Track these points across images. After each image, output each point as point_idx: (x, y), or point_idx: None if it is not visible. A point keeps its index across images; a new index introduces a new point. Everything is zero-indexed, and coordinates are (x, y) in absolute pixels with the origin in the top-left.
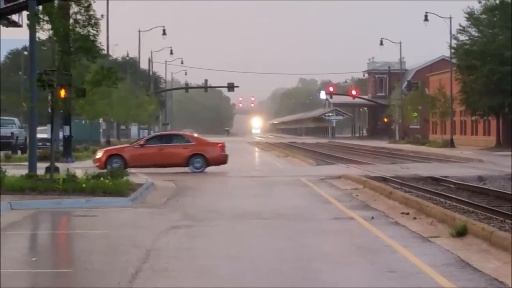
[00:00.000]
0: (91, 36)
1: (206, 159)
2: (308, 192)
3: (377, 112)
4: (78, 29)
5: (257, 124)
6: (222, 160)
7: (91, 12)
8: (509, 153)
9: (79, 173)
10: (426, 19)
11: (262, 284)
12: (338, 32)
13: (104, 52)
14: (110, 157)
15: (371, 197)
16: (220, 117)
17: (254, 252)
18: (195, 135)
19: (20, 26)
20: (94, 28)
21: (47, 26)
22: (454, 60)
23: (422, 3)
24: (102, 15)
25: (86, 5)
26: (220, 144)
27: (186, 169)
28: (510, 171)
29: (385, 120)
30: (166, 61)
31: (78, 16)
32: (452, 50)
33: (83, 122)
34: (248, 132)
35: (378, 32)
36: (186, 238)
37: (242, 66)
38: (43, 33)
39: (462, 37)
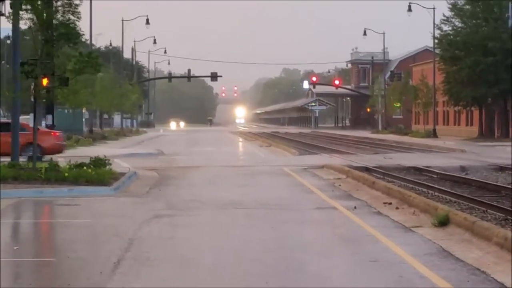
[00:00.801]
0: (71, 23)
1: (42, 148)
2: (291, 182)
3: (360, 102)
4: (59, 16)
5: (240, 113)
6: (57, 149)
7: None
8: (492, 143)
9: (62, 162)
10: (409, 10)
11: (245, 273)
12: (321, 22)
13: (86, 39)
14: None
15: (354, 187)
16: (204, 106)
17: (236, 242)
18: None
19: (3, 14)
20: (74, 15)
21: (29, 15)
22: (437, 51)
23: None
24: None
25: None
26: (56, 134)
27: (167, 158)
28: (493, 161)
29: (368, 110)
30: (149, 51)
31: (58, 3)
32: (436, 41)
33: (66, 111)
34: (231, 122)
35: (362, 22)
36: (169, 228)
37: (225, 55)
38: (26, 22)
39: (446, 28)
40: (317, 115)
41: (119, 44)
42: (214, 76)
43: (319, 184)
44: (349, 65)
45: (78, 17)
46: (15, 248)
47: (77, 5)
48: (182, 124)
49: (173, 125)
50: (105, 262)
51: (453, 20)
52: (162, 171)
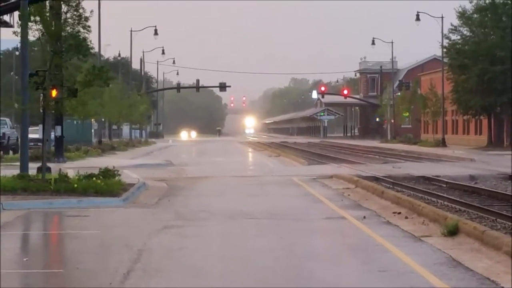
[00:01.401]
0: (80, 35)
1: None
2: (300, 192)
3: (369, 111)
4: (68, 28)
5: (250, 123)
6: None
7: (80, 11)
8: (501, 152)
9: (71, 173)
10: (418, 19)
11: (254, 283)
12: (330, 31)
13: (95, 50)
14: None
15: (363, 197)
16: (212, 117)
17: (246, 252)
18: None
19: (11, 26)
20: (84, 27)
21: (38, 26)
22: (445, 60)
23: (414, 2)
24: (91, 11)
25: (74, 4)
26: None
27: (176, 168)
28: (503, 170)
29: (378, 119)
30: (158, 61)
31: (68, 15)
32: (444, 50)
33: (75, 122)
34: (240, 132)
35: (370, 31)
36: (178, 238)
37: (233, 66)
38: (34, 34)
39: (454, 37)
40: (325, 124)
41: (127, 54)
42: (223, 86)
43: (328, 194)
44: (358, 74)
45: (88, 30)
46: (25, 259)
47: (87, 17)
48: (193, 134)
49: (184, 135)
50: (114, 273)
51: (461, 29)
52: (171, 181)
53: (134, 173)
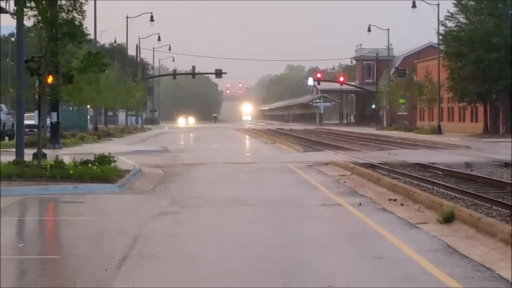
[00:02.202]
0: (76, 21)
1: None
2: (296, 179)
3: (365, 98)
4: (63, 14)
5: (247, 110)
6: None
7: None
8: (497, 139)
9: (67, 160)
10: (414, 6)
11: (249, 270)
12: (326, 18)
13: (91, 37)
14: None
15: (359, 184)
16: (208, 103)
17: (241, 239)
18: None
19: (7, 12)
20: (79, 13)
21: (33, 12)
22: (441, 47)
23: None
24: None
25: None
26: None
27: (171, 155)
28: (498, 157)
29: (374, 107)
30: (154, 48)
31: (63, 2)
32: (440, 37)
33: (71, 108)
34: (236, 119)
35: (366, 18)
36: (174, 225)
37: (229, 52)
38: (30, 20)
39: (450, 24)
40: (321, 111)
41: (123, 41)
42: (218, 73)
43: (324, 180)
44: (354, 61)
45: (83, 16)
46: (20, 245)
47: (82, 3)
48: (192, 120)
49: (182, 121)
50: (110, 260)
51: (457, 16)
52: (166, 168)
53: (130, 160)
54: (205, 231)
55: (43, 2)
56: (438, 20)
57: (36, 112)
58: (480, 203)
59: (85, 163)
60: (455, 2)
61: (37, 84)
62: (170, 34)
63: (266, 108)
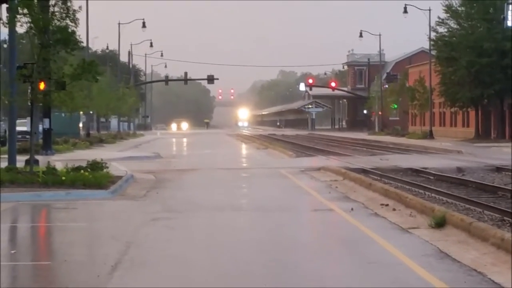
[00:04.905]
0: (69, 28)
1: None
2: (288, 184)
3: (357, 104)
4: (56, 21)
5: (244, 115)
6: None
7: (68, 4)
8: (488, 144)
9: (59, 166)
10: (405, 11)
11: (242, 275)
12: (317, 24)
13: (83, 44)
14: None
15: (351, 189)
16: (201, 109)
17: (233, 244)
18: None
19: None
20: (72, 20)
21: (26, 18)
22: (433, 52)
23: None
24: (80, 7)
25: None
26: None
27: (163, 161)
28: (490, 162)
29: (366, 112)
30: (146, 54)
31: (56, 9)
32: (431, 42)
33: (63, 114)
34: (229, 125)
35: (358, 24)
36: (166, 230)
37: (221, 58)
38: (23, 26)
39: (441, 29)
40: (313, 117)
41: (115, 47)
42: (210, 79)
43: (316, 186)
44: (346, 67)
45: (76, 24)
46: (12, 252)
47: (75, 10)
48: (185, 126)
49: (174, 127)
50: (102, 265)
51: (448, 21)
52: (159, 174)
53: (122, 166)
54: (197, 237)
55: (35, 8)
56: (430, 25)
57: (29, 118)
58: (472, 207)
59: (77, 169)
60: (446, 8)
61: (29, 90)
62: (162, 40)
63: (258, 114)
